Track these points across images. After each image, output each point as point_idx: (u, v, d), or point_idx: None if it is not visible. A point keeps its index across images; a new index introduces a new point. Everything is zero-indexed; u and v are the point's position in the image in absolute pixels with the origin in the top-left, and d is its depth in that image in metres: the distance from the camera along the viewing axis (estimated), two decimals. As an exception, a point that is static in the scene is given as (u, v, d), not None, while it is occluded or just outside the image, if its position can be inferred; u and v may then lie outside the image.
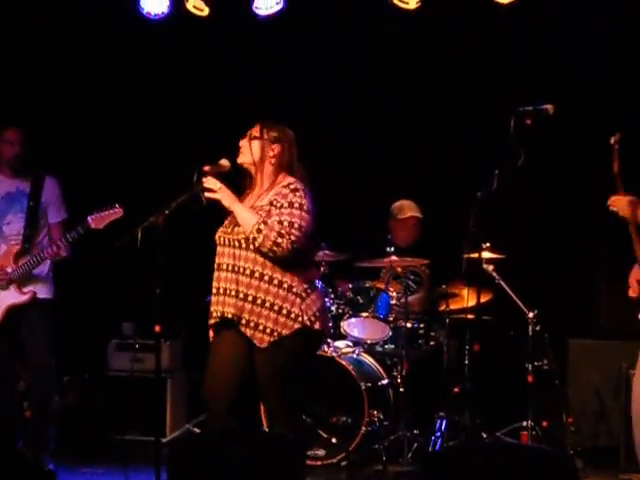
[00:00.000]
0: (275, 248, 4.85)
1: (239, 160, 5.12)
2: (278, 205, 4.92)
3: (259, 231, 4.85)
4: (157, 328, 5.00)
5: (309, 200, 4.98)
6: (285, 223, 4.87)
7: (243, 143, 5.11)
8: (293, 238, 4.86)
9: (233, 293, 4.94)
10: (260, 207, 4.98)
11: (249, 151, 5.07)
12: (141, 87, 8.05)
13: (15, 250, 6.25)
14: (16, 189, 6.38)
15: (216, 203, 5.04)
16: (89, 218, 6.09)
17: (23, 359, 6.39)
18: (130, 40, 7.78)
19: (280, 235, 4.84)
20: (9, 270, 6.22)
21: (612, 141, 5.45)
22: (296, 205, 4.92)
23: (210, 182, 4.98)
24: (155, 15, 7.19)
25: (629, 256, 5.41)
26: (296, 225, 4.89)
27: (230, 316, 4.94)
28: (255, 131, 5.11)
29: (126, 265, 6.65)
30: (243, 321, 4.92)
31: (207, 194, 4.97)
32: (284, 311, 4.91)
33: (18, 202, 6.35)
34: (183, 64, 8.03)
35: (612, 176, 5.41)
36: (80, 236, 6.14)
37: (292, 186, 4.97)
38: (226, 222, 5.09)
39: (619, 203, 5.36)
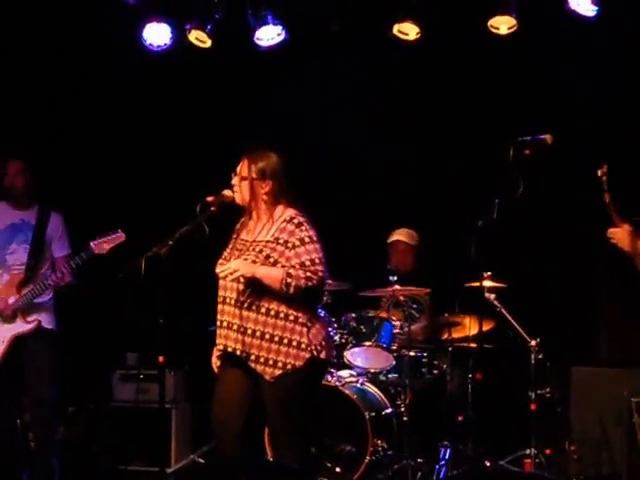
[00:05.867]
0: (310, 289, 4.92)
1: (236, 201, 5.14)
2: (289, 245, 4.96)
3: (288, 285, 4.89)
4: (161, 359, 5.03)
5: (313, 229, 5.04)
6: (307, 263, 4.93)
7: (235, 182, 5.13)
8: (320, 274, 4.94)
9: (235, 327, 4.98)
10: (265, 243, 5.01)
11: (240, 193, 5.10)
12: (144, 118, 8.11)
13: (18, 279, 6.27)
14: (20, 220, 6.40)
15: (219, 234, 5.10)
16: (92, 244, 6.11)
17: (26, 390, 6.37)
18: (132, 71, 7.83)
19: (309, 279, 4.90)
20: (12, 300, 6.23)
21: (599, 173, 5.33)
22: (307, 240, 4.97)
23: (223, 271, 4.96)
24: (157, 47, 7.23)
25: (630, 285, 5.37)
26: (317, 260, 4.95)
27: (233, 351, 4.98)
28: (243, 170, 5.10)
29: (130, 295, 6.67)
30: (253, 357, 4.95)
31: (229, 278, 4.95)
32: (294, 343, 4.94)
33: (22, 233, 6.36)
34: (185, 95, 8.09)
35: (605, 208, 5.31)
36: (84, 262, 6.15)
37: (295, 220, 5.01)
38: (225, 254, 5.14)
39: (618, 235, 5.28)
